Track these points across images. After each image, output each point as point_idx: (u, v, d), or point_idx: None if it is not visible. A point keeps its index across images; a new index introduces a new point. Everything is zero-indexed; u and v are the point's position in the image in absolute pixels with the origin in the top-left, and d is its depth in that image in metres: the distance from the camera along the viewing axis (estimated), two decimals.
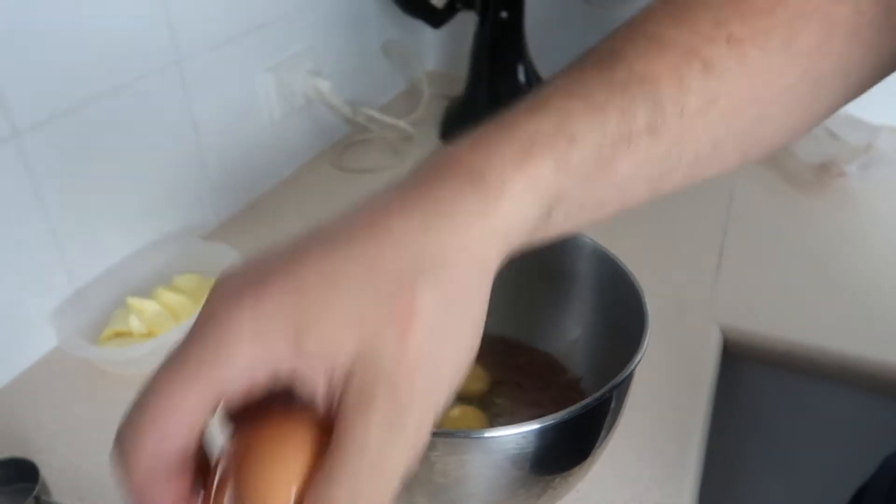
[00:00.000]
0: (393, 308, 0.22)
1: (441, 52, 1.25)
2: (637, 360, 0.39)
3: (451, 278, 0.23)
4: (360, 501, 0.22)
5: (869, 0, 0.29)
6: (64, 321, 0.64)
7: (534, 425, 0.35)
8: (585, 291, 0.53)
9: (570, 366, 0.54)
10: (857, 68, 0.31)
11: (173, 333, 0.63)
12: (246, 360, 0.22)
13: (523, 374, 0.54)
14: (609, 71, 0.28)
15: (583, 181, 0.27)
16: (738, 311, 0.69)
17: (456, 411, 0.51)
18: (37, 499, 0.48)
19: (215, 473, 0.24)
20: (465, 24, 1.03)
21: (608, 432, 0.41)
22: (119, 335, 0.65)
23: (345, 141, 1.05)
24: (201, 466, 0.24)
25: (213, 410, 0.23)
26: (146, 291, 0.68)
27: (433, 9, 1.02)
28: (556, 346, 0.55)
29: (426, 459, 0.36)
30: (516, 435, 0.35)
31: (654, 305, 0.44)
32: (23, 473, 0.50)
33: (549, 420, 0.35)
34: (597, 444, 0.41)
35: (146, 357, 0.62)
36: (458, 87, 1.06)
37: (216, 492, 0.23)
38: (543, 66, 1.04)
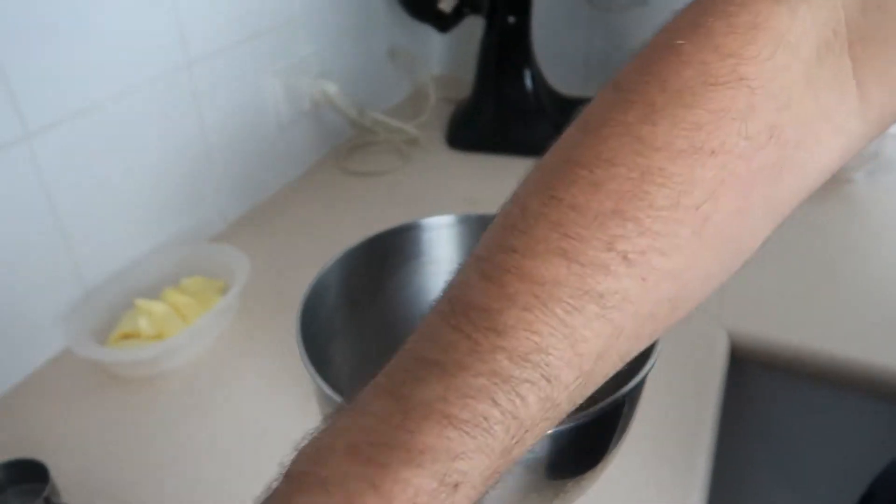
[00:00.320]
0: None
1: (448, 56, 1.25)
2: (651, 364, 0.39)
3: None
4: None
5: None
6: (73, 323, 0.64)
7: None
8: None
9: None
10: (809, 173, 0.27)
11: (181, 334, 0.63)
12: None
13: None
14: (481, 345, 0.23)
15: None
16: (745, 316, 0.69)
17: None
18: (46, 500, 0.48)
19: None
20: (473, 28, 1.03)
21: (621, 437, 0.41)
22: (127, 336, 0.65)
23: (351, 144, 1.05)
24: None
25: None
26: (154, 293, 0.68)
27: (441, 14, 1.02)
28: None
29: None
30: None
31: None
32: (33, 474, 0.50)
33: (563, 424, 0.35)
34: (609, 449, 0.41)
35: (155, 358, 0.63)
36: (465, 91, 1.07)
37: None
38: (549, 71, 1.04)
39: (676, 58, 0.25)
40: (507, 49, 1.00)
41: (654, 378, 0.44)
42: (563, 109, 1.05)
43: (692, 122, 0.24)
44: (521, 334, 0.23)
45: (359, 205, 0.91)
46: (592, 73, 1.16)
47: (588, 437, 0.39)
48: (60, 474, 0.53)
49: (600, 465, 0.41)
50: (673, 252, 0.24)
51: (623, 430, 0.41)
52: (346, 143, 1.05)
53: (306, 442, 0.23)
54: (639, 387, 0.39)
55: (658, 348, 0.40)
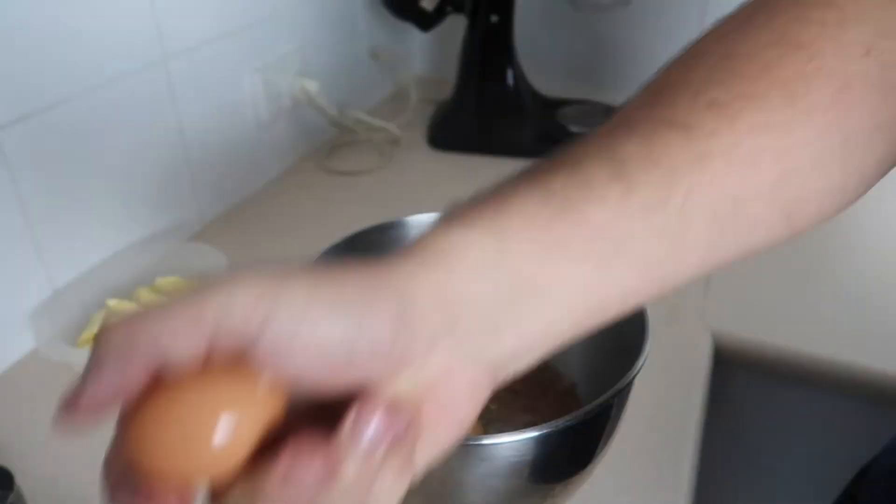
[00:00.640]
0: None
1: (430, 55, 1.24)
2: (640, 366, 0.38)
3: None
4: None
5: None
6: (42, 323, 0.62)
7: (534, 432, 0.34)
8: None
9: (565, 371, 0.53)
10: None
11: None
12: (248, 299, 0.21)
13: (517, 380, 0.53)
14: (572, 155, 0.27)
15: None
16: (729, 317, 0.69)
17: None
18: None
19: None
20: (455, 27, 1.02)
21: (608, 439, 0.40)
22: None
23: (331, 143, 1.04)
24: None
25: (195, 345, 0.21)
26: (127, 293, 0.66)
27: (423, 12, 1.02)
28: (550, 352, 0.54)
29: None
30: (517, 442, 0.34)
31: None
32: None
33: (550, 427, 0.34)
34: (597, 452, 0.40)
35: None
36: (446, 91, 1.06)
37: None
38: (532, 71, 1.03)
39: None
40: (489, 48, 0.99)
41: (639, 379, 0.43)
42: (544, 110, 1.04)
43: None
44: (608, 139, 0.27)
45: (339, 205, 0.89)
46: (574, 74, 1.16)
47: (577, 439, 0.38)
48: (27, 480, 0.51)
49: (588, 468, 0.40)
50: (761, 113, 0.26)
51: (611, 433, 0.40)
52: (327, 142, 1.04)
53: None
54: (627, 388, 0.38)
55: (646, 351, 0.39)
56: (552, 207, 0.25)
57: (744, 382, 0.74)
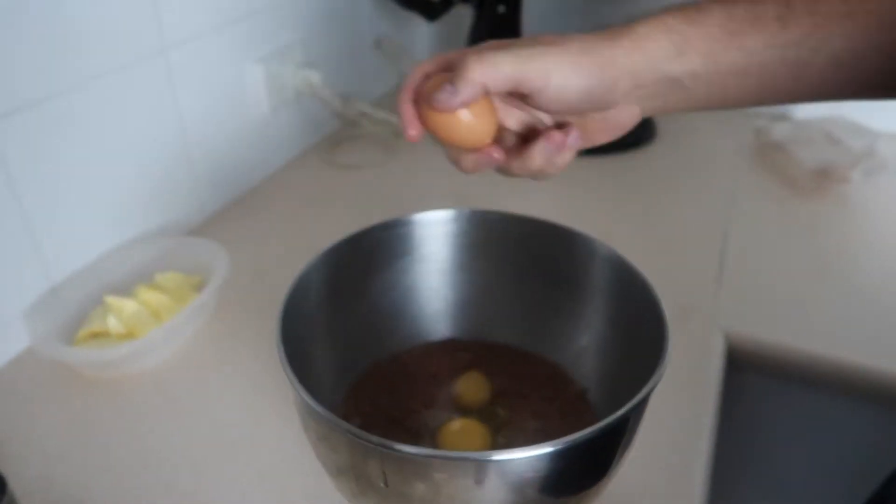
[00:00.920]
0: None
1: (435, 46, 1.22)
2: (659, 376, 0.36)
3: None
4: None
5: None
6: (38, 320, 0.60)
7: (549, 448, 0.33)
8: (596, 299, 0.50)
9: (575, 376, 0.52)
10: None
11: (153, 334, 0.59)
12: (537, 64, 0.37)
13: (527, 384, 0.52)
14: None
15: (709, 38, 0.35)
16: (741, 318, 0.67)
17: (456, 424, 0.48)
18: None
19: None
20: (461, 17, 1.00)
21: (624, 452, 0.39)
22: (96, 335, 0.61)
23: (335, 136, 1.02)
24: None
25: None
26: (126, 289, 0.65)
27: (429, 2, 0.99)
28: (561, 355, 0.53)
29: (432, 482, 0.33)
30: (532, 458, 0.33)
31: None
32: None
33: (566, 442, 0.33)
34: (613, 465, 0.38)
35: (124, 359, 0.59)
36: None
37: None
38: None
39: None
40: (496, 39, 0.97)
41: None
42: None
43: None
44: None
45: (344, 199, 0.87)
46: None
47: (593, 453, 0.36)
48: (21, 482, 0.50)
49: (603, 481, 0.39)
50: None
51: (627, 445, 0.39)
52: (331, 134, 1.02)
53: None
54: (644, 401, 0.36)
55: (665, 362, 0.37)
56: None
57: (756, 385, 0.72)
